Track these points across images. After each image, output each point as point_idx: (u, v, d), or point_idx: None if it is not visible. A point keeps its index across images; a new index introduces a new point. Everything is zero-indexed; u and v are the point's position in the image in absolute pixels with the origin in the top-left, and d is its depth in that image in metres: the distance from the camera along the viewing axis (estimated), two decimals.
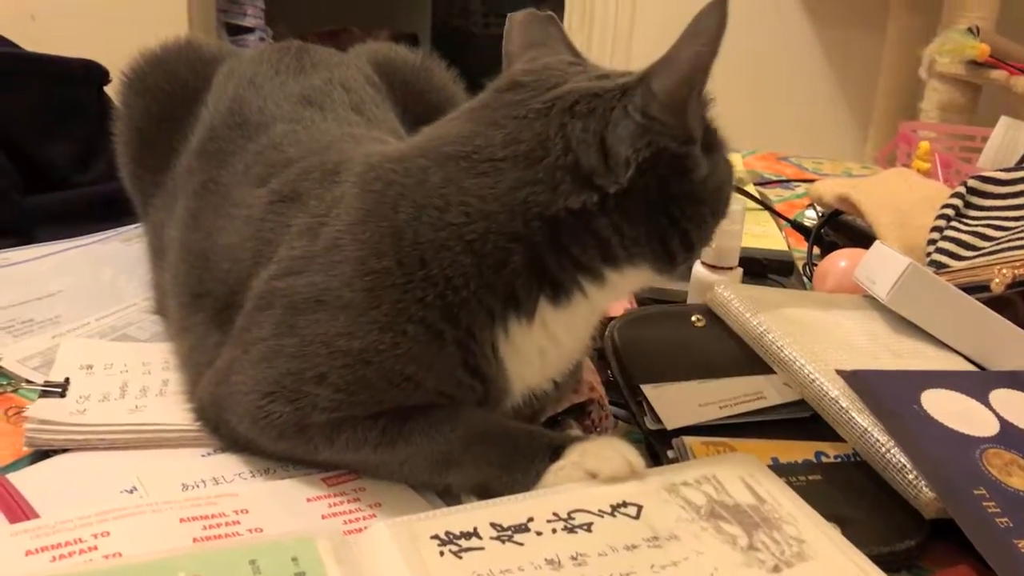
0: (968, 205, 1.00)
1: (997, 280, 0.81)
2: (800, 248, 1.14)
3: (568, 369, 0.68)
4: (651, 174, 0.58)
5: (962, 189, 1.01)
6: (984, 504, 0.60)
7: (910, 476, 0.62)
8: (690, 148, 0.59)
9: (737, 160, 1.39)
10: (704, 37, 0.55)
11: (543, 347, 0.63)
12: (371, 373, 0.59)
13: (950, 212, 0.99)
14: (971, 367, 0.77)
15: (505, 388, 0.64)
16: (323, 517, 0.60)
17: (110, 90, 1.16)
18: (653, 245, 0.60)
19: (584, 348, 0.69)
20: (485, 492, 0.60)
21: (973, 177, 1.02)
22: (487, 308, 0.60)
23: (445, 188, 0.59)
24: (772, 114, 2.42)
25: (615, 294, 0.65)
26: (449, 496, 0.63)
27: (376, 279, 0.59)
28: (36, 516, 0.57)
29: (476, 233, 0.58)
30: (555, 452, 0.59)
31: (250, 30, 2.85)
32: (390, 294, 0.59)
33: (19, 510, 0.57)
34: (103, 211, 1.06)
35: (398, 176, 0.61)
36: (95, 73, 1.17)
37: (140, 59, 0.92)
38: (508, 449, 0.61)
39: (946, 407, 0.68)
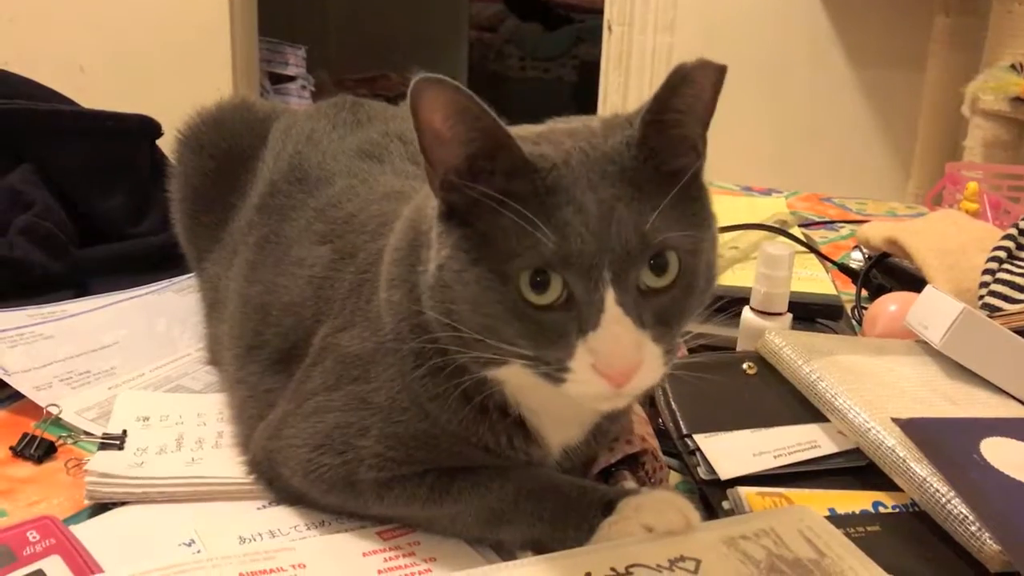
0: (1020, 247, 0.99)
1: None
2: (847, 291, 1.13)
3: (601, 424, 0.66)
4: None
5: (1014, 231, 1.00)
6: None
7: (972, 528, 0.61)
8: None
9: (781, 202, 1.38)
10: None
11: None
12: (401, 430, 0.60)
13: (1002, 254, 0.98)
14: None
15: (539, 443, 0.63)
16: (379, 572, 0.60)
17: (162, 143, 1.19)
18: None
19: None
20: (539, 546, 0.59)
21: None
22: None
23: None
24: (813, 154, 2.40)
25: None
26: (503, 550, 0.63)
27: (397, 336, 0.60)
28: (100, 570, 0.58)
29: None
30: (607, 506, 0.59)
31: (292, 78, 2.91)
32: (408, 352, 0.59)
33: (84, 565, 0.58)
34: (156, 262, 1.09)
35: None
36: (148, 128, 1.20)
37: (196, 118, 0.94)
38: (559, 505, 0.60)
39: (1007, 455, 0.67)
